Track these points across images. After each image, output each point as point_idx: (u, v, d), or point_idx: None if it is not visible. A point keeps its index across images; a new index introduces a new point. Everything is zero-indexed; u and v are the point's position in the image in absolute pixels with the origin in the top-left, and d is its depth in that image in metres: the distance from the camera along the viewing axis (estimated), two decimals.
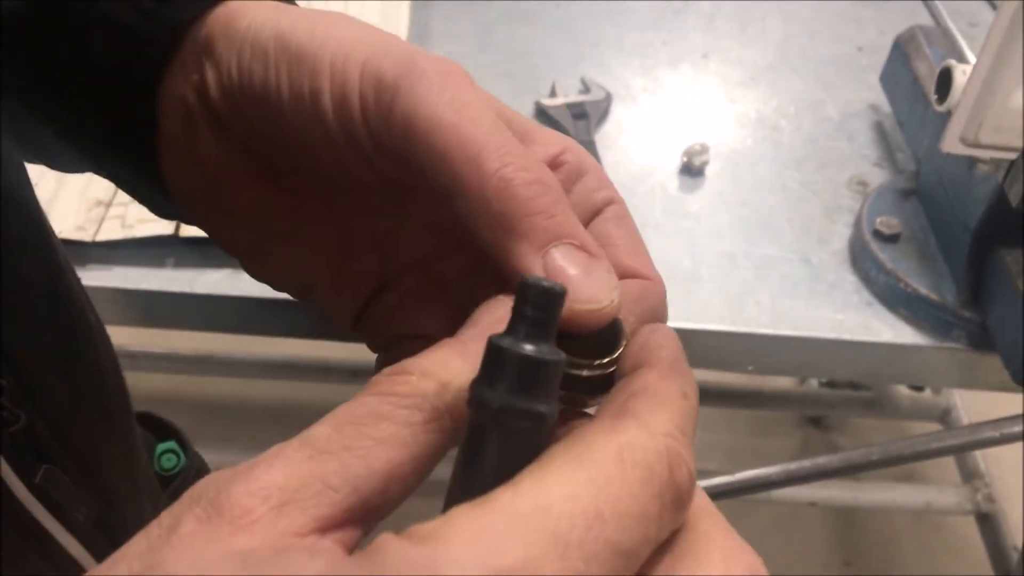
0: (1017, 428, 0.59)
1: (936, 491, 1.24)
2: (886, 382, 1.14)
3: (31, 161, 0.41)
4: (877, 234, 0.73)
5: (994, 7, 1.03)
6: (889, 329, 0.70)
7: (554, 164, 0.32)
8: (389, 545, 0.20)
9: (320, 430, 0.22)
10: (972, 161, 0.65)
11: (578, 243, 0.27)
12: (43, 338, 0.38)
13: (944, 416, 1.32)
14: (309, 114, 0.29)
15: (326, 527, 0.21)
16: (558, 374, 0.22)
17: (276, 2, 0.32)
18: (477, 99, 0.28)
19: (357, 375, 1.47)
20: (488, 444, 0.22)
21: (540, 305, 0.22)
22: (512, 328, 0.22)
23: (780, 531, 1.65)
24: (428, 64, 0.28)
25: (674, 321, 0.69)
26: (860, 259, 0.74)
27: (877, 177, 0.83)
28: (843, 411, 1.50)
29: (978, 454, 1.30)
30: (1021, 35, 0.51)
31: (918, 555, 1.62)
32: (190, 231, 0.70)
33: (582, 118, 0.85)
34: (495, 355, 0.21)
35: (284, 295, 0.36)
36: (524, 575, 0.19)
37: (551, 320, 0.22)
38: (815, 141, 0.88)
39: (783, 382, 1.67)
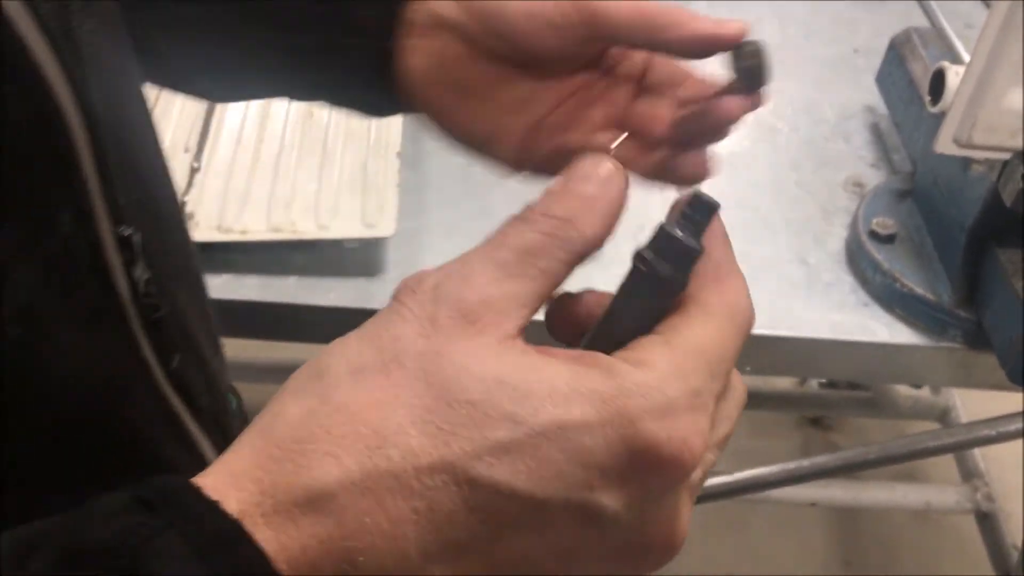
0: (1014, 426, 0.60)
1: (936, 490, 1.25)
2: (883, 381, 1.14)
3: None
4: (873, 235, 0.74)
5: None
6: (886, 329, 0.71)
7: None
8: (615, 364, 0.28)
9: (503, 255, 0.29)
10: (967, 161, 0.66)
11: None
12: (169, 234, 0.43)
13: (943, 416, 1.32)
14: (535, 19, 0.39)
15: (518, 337, 0.28)
16: (696, 257, 0.31)
17: None
18: None
19: None
20: (642, 290, 0.31)
21: (698, 210, 0.32)
22: (676, 219, 0.31)
23: (781, 531, 1.65)
24: None
25: None
26: (857, 259, 0.75)
27: (873, 178, 0.84)
28: (842, 411, 1.50)
29: (977, 453, 1.31)
30: (1013, 36, 0.52)
31: (918, 554, 1.63)
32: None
33: None
34: (662, 235, 0.31)
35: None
36: (699, 394, 0.28)
37: (703, 222, 0.32)
38: (812, 142, 0.88)
39: (783, 383, 1.67)
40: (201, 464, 0.37)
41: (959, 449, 0.67)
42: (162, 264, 0.38)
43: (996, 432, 0.61)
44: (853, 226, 0.77)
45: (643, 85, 0.43)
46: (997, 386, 0.69)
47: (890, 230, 0.74)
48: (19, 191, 0.29)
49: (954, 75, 0.58)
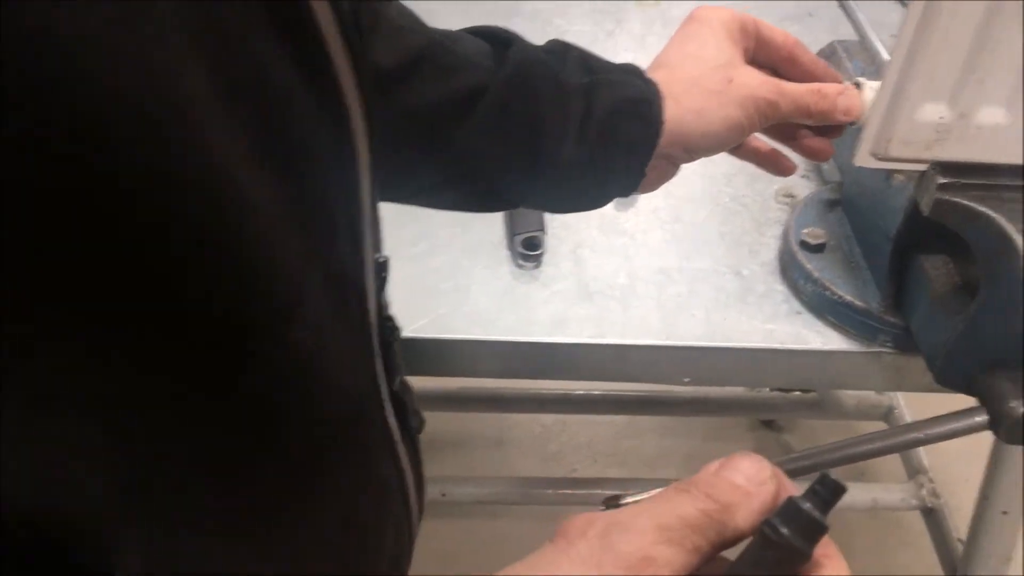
0: (945, 427, 0.62)
1: (882, 488, 1.27)
2: (817, 387, 1.16)
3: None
4: (804, 244, 0.76)
5: None
6: (818, 336, 0.72)
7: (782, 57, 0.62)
8: None
9: (668, 520, 0.34)
10: (889, 172, 0.68)
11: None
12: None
13: (887, 415, 1.35)
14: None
15: None
16: (822, 533, 0.34)
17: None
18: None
19: None
20: (767, 558, 0.34)
21: (826, 488, 0.35)
22: (808, 496, 0.35)
23: None
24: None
25: (611, 337, 0.71)
26: (789, 269, 0.77)
27: (805, 189, 0.86)
28: (792, 414, 1.53)
29: (922, 450, 1.34)
30: (924, 51, 0.54)
31: (874, 551, 1.66)
32: None
33: None
34: (791, 508, 0.34)
35: None
36: None
37: (831, 501, 0.35)
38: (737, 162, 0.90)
39: (735, 388, 1.70)
40: (403, 483, 0.44)
41: (897, 450, 0.69)
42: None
43: (924, 435, 0.63)
44: (785, 237, 0.78)
45: None
46: (927, 388, 0.71)
47: (820, 240, 0.75)
48: (313, 202, 0.31)
49: (869, 90, 0.59)
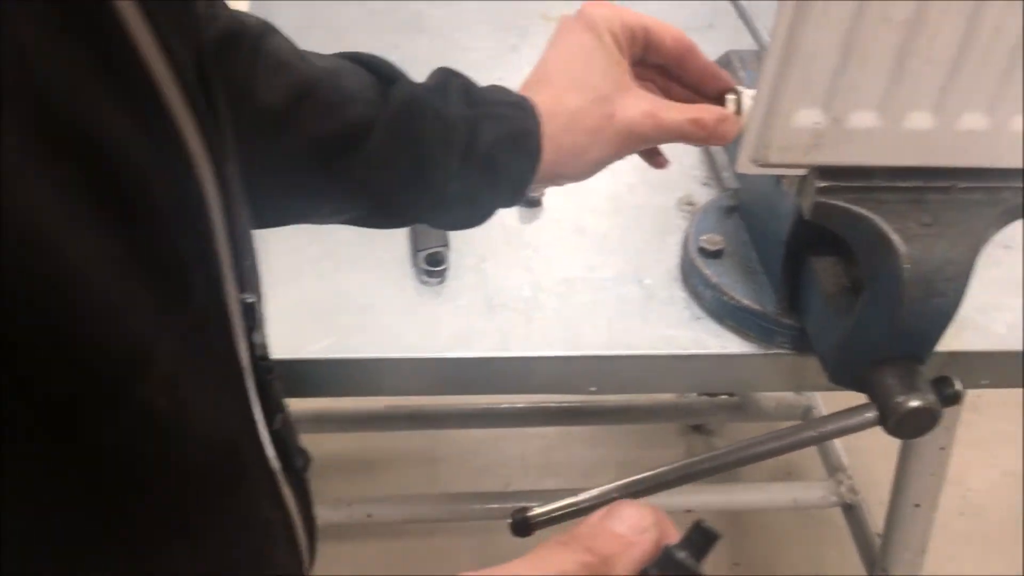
0: (837, 425, 0.63)
1: (802, 487, 1.30)
2: (720, 391, 1.18)
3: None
4: (702, 251, 0.77)
5: None
6: (717, 340, 0.74)
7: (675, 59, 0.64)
8: None
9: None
10: (779, 177, 0.70)
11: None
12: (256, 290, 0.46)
13: (805, 414, 1.38)
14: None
15: None
16: None
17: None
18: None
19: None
20: None
21: (701, 537, 0.38)
22: (683, 544, 0.38)
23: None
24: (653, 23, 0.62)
25: (515, 350, 0.71)
26: (689, 276, 0.78)
27: (705, 196, 0.87)
28: (715, 417, 1.55)
29: (840, 447, 1.37)
30: (794, 59, 0.55)
31: (803, 549, 1.69)
32: None
33: None
34: (667, 557, 0.37)
35: None
36: None
37: (705, 548, 0.38)
38: (646, 166, 0.91)
39: (662, 395, 1.72)
40: (289, 525, 0.43)
41: (799, 448, 0.70)
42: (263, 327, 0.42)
43: (836, 428, 0.64)
44: (684, 244, 0.80)
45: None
46: (826, 388, 0.72)
47: (718, 246, 0.77)
48: (160, 255, 0.30)
49: (748, 98, 0.61)
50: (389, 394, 0.73)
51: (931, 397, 0.61)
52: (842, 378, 0.67)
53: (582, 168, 0.60)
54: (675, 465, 0.64)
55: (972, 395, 2.15)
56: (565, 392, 0.75)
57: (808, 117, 0.58)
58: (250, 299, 0.38)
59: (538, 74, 0.61)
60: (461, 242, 0.80)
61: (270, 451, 0.41)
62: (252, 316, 0.39)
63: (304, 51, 0.56)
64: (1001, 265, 0.83)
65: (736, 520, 1.71)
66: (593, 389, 0.75)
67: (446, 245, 0.78)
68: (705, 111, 0.61)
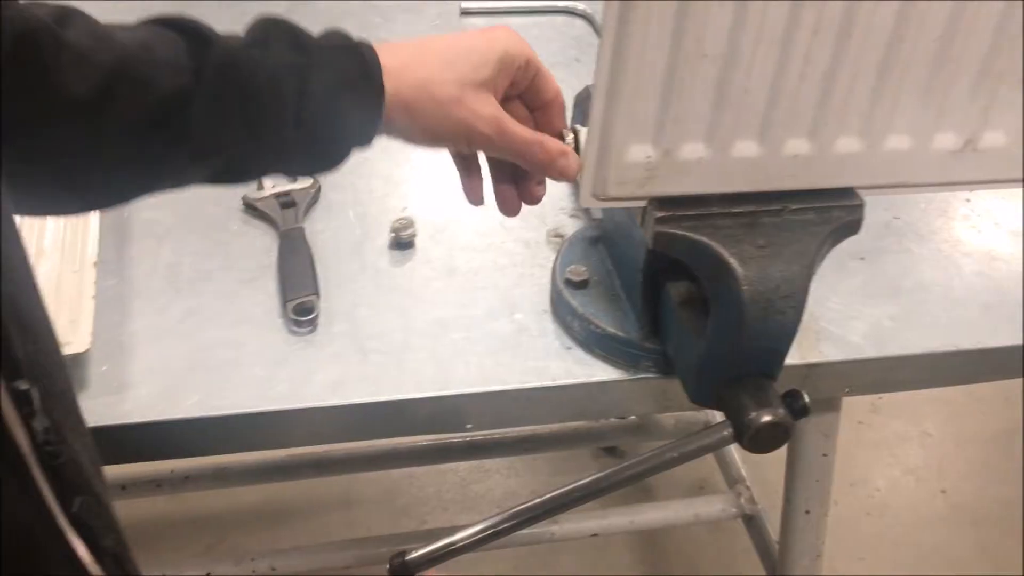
0: (697, 444, 0.65)
1: (703, 501, 1.33)
2: (595, 418, 1.20)
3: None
4: (568, 282, 0.79)
5: None
6: (587, 369, 0.75)
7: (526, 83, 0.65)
8: None
9: None
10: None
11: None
12: (61, 379, 0.45)
13: None
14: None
15: None
16: None
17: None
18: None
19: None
20: None
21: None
22: None
23: (589, 564, 1.71)
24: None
25: (385, 394, 0.71)
26: (558, 308, 0.80)
27: (573, 227, 0.89)
28: (619, 439, 1.57)
29: (739, 459, 1.40)
30: (619, 98, 0.57)
31: (718, 562, 1.72)
32: None
33: (290, 207, 0.87)
34: None
35: None
36: None
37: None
38: None
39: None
40: None
41: (664, 469, 0.72)
42: (57, 411, 0.41)
43: (696, 447, 0.66)
44: (552, 276, 0.81)
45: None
46: (691, 408, 0.74)
47: (582, 276, 0.79)
48: None
49: (585, 135, 0.63)
50: (261, 448, 0.73)
51: (781, 411, 0.63)
52: (701, 397, 0.69)
53: (413, 131, 0.61)
54: (544, 498, 0.65)
55: (872, 398, 2.23)
56: (442, 431, 0.76)
57: (640, 151, 0.60)
58: (23, 386, 0.37)
59: (411, 41, 0.62)
60: (333, 288, 0.81)
61: (72, 537, 0.40)
62: (29, 404, 0.38)
63: (111, 27, 0.54)
64: (856, 275, 0.87)
65: (652, 538, 1.74)
66: (469, 426, 0.76)
67: (316, 294, 0.78)
68: (550, 140, 0.63)
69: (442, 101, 0.59)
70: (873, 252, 0.89)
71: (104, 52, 0.52)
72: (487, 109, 0.61)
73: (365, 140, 0.60)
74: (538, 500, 0.66)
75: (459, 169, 0.68)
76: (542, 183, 0.68)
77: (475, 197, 0.69)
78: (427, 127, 0.61)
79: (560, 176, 0.63)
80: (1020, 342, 0.80)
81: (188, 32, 0.55)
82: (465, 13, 1.23)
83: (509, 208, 0.69)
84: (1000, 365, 0.81)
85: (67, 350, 0.69)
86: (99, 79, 0.51)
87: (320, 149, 0.59)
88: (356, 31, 0.59)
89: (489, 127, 0.61)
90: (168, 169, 0.57)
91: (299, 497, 1.81)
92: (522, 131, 0.62)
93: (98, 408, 0.69)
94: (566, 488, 0.66)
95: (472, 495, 1.89)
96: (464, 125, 0.60)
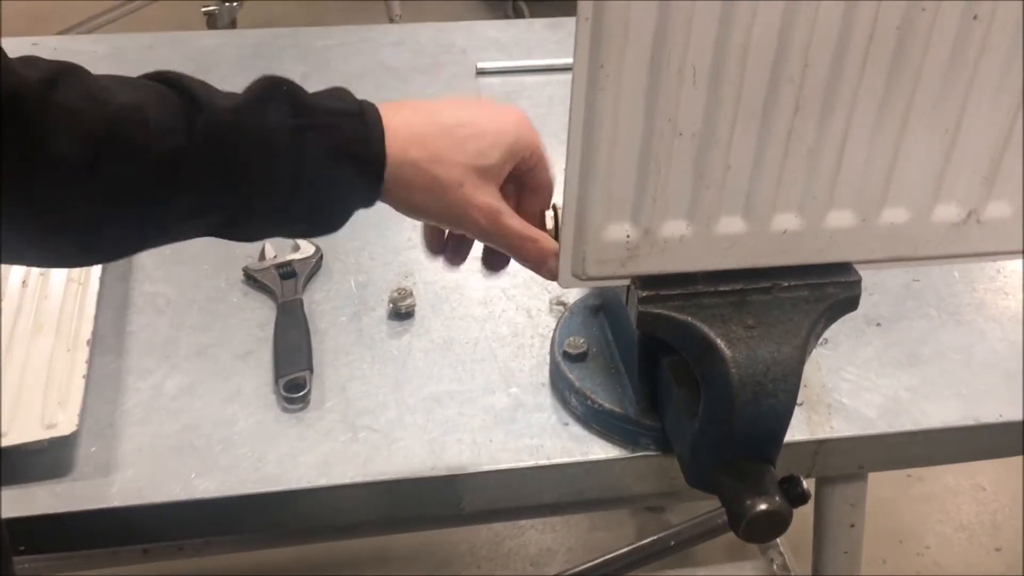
0: (695, 532, 0.62)
1: (734, 567, 1.28)
2: (593, 498, 1.17)
3: None
4: (567, 355, 0.76)
5: None
6: (584, 447, 0.73)
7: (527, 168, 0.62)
8: None
9: None
10: None
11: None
12: None
13: None
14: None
15: None
16: None
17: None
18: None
19: None
20: None
21: None
22: None
23: None
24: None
25: (374, 475, 0.70)
26: (556, 381, 0.77)
27: (577, 295, 0.87)
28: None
29: None
30: (592, 180, 0.55)
31: None
32: None
33: (291, 277, 0.87)
34: None
35: None
36: None
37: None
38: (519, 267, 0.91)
39: None
40: None
41: (660, 558, 0.69)
42: None
43: (693, 535, 0.63)
44: (551, 348, 0.79)
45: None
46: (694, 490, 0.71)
47: (580, 349, 0.76)
48: None
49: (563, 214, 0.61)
50: (249, 532, 0.72)
51: (778, 500, 0.60)
52: (697, 481, 0.66)
53: (406, 203, 0.59)
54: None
55: None
56: (432, 512, 0.74)
57: (619, 231, 0.58)
58: None
59: (421, 106, 0.60)
60: (328, 361, 0.80)
61: None
62: None
63: (106, 84, 0.53)
64: (873, 343, 0.83)
65: None
66: (463, 505, 0.73)
67: (309, 369, 0.77)
68: (545, 238, 0.61)
69: (444, 183, 0.58)
70: (891, 317, 0.85)
71: (93, 115, 0.51)
72: (486, 199, 0.59)
73: (365, 204, 0.59)
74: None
75: (427, 232, 0.66)
76: None
77: (436, 247, 0.67)
78: (421, 205, 0.59)
79: (549, 276, 0.61)
80: None
81: (184, 91, 0.54)
82: (481, 73, 1.23)
83: (494, 265, 0.68)
84: None
85: (54, 432, 0.69)
86: (87, 143, 0.51)
87: (318, 213, 0.58)
88: (371, 92, 0.58)
89: (485, 219, 0.59)
90: (164, 226, 0.56)
91: (330, 556, 1.80)
92: (517, 225, 0.60)
93: (84, 491, 0.69)
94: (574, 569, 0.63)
95: (505, 551, 1.86)
96: (459, 211, 0.59)
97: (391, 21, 2.64)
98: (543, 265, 0.61)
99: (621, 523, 1.89)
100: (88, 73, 0.53)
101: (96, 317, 0.80)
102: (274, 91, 0.56)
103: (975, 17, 0.52)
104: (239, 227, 0.58)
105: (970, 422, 0.75)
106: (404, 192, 0.58)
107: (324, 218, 0.59)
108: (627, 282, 0.61)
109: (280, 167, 0.54)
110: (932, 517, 1.90)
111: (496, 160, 0.59)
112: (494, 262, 0.67)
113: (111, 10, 2.56)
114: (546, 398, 0.77)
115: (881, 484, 0.91)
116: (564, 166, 0.55)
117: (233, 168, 0.54)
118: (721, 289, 0.60)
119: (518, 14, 3.30)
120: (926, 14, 0.52)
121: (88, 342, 0.76)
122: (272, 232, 0.60)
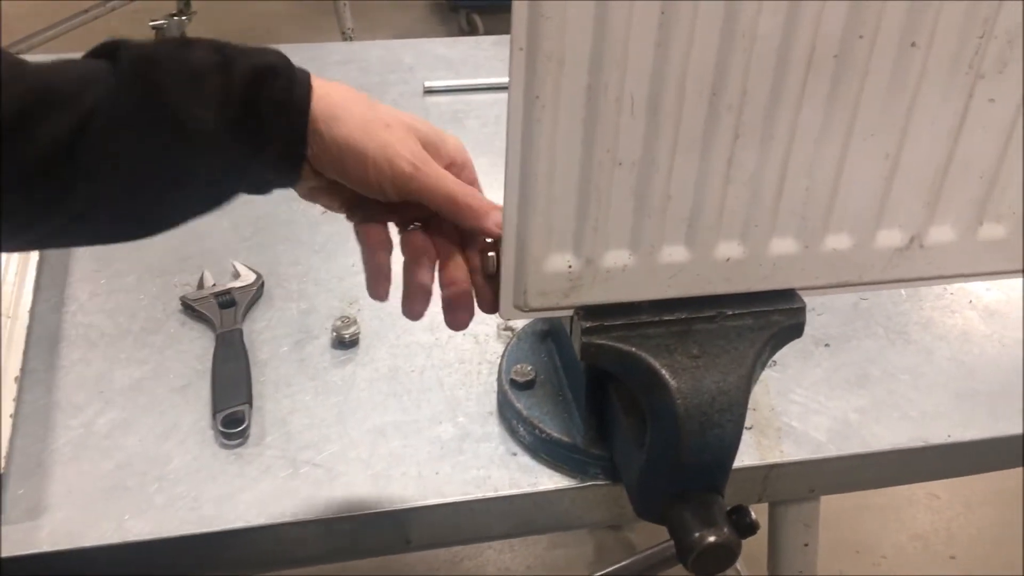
0: (645, 565, 0.61)
1: None
2: (543, 530, 1.16)
3: None
4: (513, 383, 0.75)
5: None
6: (533, 478, 0.71)
7: (451, 166, 0.60)
8: None
9: None
10: None
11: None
12: None
13: None
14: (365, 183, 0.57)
15: None
16: None
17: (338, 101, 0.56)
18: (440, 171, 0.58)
19: None
20: None
21: None
22: None
23: None
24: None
25: (315, 513, 0.68)
26: (503, 409, 0.76)
27: (525, 320, 0.85)
28: None
29: None
30: (531, 210, 0.54)
31: None
32: None
33: (229, 307, 0.84)
34: None
35: None
36: None
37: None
38: None
39: None
40: None
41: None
42: None
43: (644, 568, 0.62)
44: (498, 376, 0.78)
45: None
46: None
47: (527, 376, 0.75)
48: None
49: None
50: (185, 574, 0.69)
51: (726, 531, 0.59)
52: (646, 512, 0.65)
53: (329, 139, 0.56)
54: None
55: None
56: (376, 551, 0.71)
57: (560, 261, 0.57)
58: None
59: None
60: (269, 393, 0.77)
61: None
62: None
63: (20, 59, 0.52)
64: (821, 364, 0.83)
65: None
66: (409, 543, 0.71)
67: (248, 403, 0.75)
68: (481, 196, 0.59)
69: (371, 117, 0.56)
70: (839, 338, 0.85)
71: (14, 82, 0.50)
72: (412, 146, 0.57)
73: (296, 122, 0.55)
74: None
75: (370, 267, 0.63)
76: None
77: (380, 291, 0.64)
78: (349, 138, 0.55)
79: (496, 229, 0.57)
80: (995, 434, 0.76)
81: (111, 52, 0.53)
82: (429, 91, 1.21)
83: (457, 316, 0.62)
84: (974, 461, 0.76)
85: None
86: (9, 109, 0.49)
87: (247, 133, 0.54)
88: None
89: (411, 165, 0.56)
90: (75, 199, 0.53)
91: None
92: (443, 174, 0.58)
93: (12, 535, 0.66)
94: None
95: (464, 571, 1.84)
96: (386, 150, 0.56)
97: (343, 36, 2.61)
98: (487, 216, 0.58)
99: (580, 541, 1.88)
100: (6, 51, 0.52)
101: (26, 351, 0.77)
102: (194, 40, 0.55)
103: (913, 44, 0.52)
104: (155, 197, 0.55)
105: (919, 443, 0.74)
106: (332, 121, 0.55)
107: (254, 139, 0.55)
108: (571, 313, 0.60)
109: (210, 88, 0.53)
110: (888, 527, 1.91)
111: (426, 131, 0.59)
112: (457, 312, 0.61)
113: (57, 24, 2.50)
114: (494, 427, 0.76)
115: (836, 495, 0.90)
116: (503, 195, 0.54)
117: (156, 90, 0.52)
118: (666, 319, 0.59)
119: (472, 26, 3.30)
120: (864, 41, 0.51)
121: (16, 379, 0.73)
122: (190, 204, 0.57)
